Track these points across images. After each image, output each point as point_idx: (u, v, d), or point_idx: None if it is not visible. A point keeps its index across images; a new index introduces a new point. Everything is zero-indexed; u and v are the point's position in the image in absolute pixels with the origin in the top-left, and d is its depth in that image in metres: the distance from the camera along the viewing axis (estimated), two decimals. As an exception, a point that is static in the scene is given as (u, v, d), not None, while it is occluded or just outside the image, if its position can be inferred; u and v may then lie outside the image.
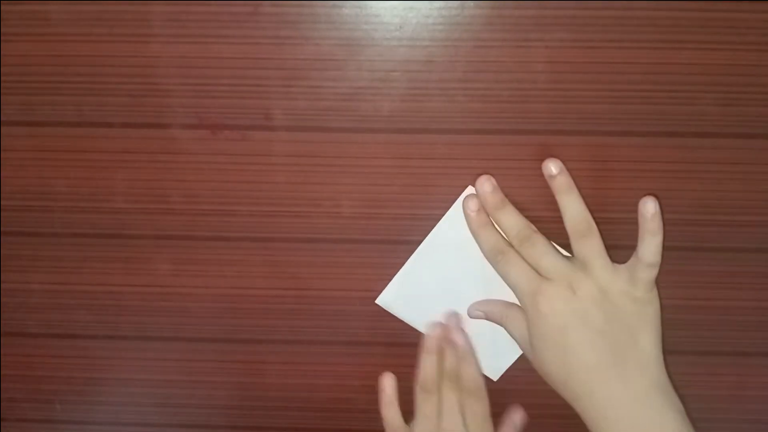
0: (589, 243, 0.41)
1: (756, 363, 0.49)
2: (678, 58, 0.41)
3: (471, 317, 0.45)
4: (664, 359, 0.41)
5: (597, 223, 0.45)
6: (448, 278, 0.45)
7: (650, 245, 0.39)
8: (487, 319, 0.44)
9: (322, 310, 0.48)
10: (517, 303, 0.42)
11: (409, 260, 0.45)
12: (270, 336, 0.49)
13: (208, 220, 0.46)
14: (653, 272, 0.40)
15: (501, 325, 0.44)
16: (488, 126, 0.43)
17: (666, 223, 0.44)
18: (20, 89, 0.43)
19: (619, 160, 0.44)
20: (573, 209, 0.41)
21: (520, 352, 0.46)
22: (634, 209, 0.44)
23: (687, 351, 0.49)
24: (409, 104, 0.43)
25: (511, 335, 0.43)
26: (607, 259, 0.41)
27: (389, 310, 0.47)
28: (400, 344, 0.47)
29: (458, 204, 0.44)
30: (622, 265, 0.41)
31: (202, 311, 0.49)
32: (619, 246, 0.46)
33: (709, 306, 0.47)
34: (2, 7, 0.41)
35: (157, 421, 0.53)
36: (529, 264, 0.41)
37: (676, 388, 0.40)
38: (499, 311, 0.44)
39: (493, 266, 0.42)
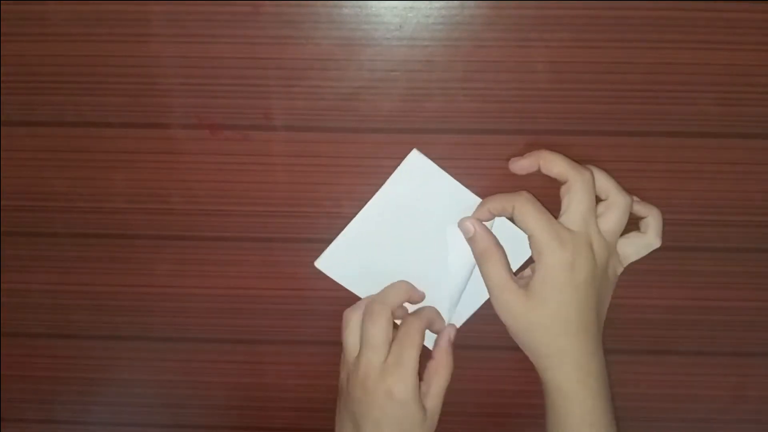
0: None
1: (756, 363, 0.49)
2: (678, 58, 0.41)
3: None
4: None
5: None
6: (391, 243, 0.45)
7: (658, 229, 0.42)
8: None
9: (322, 310, 0.48)
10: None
11: (350, 224, 0.44)
12: (270, 336, 0.49)
13: (208, 220, 0.46)
14: (646, 253, 0.43)
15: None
16: (488, 126, 0.43)
17: (666, 223, 0.44)
18: (20, 89, 0.43)
19: (620, 160, 0.44)
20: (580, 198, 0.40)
21: (482, 301, 0.45)
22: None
23: (687, 351, 0.49)
24: (409, 104, 0.43)
25: (488, 276, 0.41)
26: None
27: (328, 274, 0.46)
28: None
29: (404, 166, 0.43)
30: (619, 241, 0.42)
31: (202, 311, 0.49)
32: (619, 246, 0.46)
33: (709, 306, 0.47)
34: (2, 7, 0.41)
35: (157, 421, 0.53)
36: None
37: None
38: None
39: (515, 205, 0.40)
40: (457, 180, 0.43)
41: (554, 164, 0.40)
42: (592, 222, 0.40)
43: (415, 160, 0.43)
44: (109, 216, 0.46)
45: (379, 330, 0.42)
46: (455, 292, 0.45)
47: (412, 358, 0.42)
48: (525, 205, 0.39)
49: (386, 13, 0.41)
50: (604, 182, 0.41)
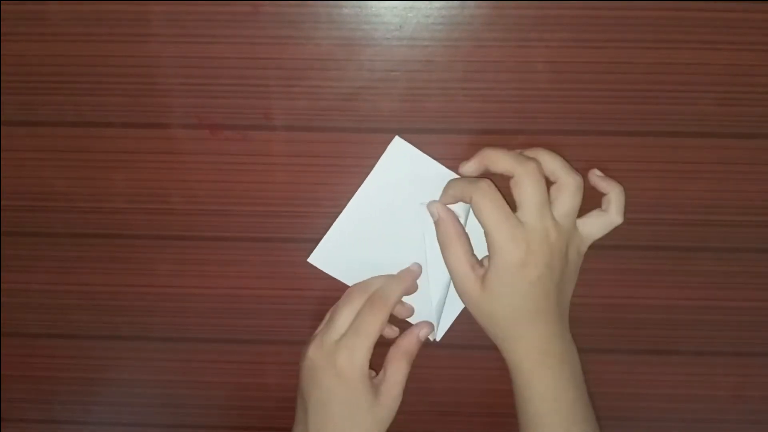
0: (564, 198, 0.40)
1: (756, 363, 0.49)
2: (678, 58, 0.41)
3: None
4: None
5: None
6: (382, 232, 0.45)
7: (620, 205, 0.42)
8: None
9: (322, 310, 0.48)
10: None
11: (339, 217, 0.45)
12: (270, 336, 0.49)
13: (208, 220, 0.46)
14: (610, 230, 0.42)
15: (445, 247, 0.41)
16: (488, 126, 0.43)
17: (666, 223, 0.44)
18: (20, 89, 0.43)
19: (619, 160, 0.44)
20: (550, 164, 0.40)
21: (460, 310, 0.46)
22: (634, 209, 0.44)
23: (687, 351, 0.49)
24: (409, 104, 0.43)
25: (448, 264, 0.41)
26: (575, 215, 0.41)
27: (322, 269, 0.46)
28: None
29: (387, 154, 0.43)
30: (579, 221, 0.42)
31: (202, 311, 0.49)
32: (620, 246, 0.46)
33: (709, 306, 0.47)
34: (2, 7, 0.41)
35: (157, 421, 0.53)
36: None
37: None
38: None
39: (472, 196, 0.39)
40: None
41: (498, 162, 0.39)
42: (546, 212, 0.39)
43: (399, 147, 0.43)
44: (109, 216, 0.46)
45: (347, 311, 0.43)
46: (443, 272, 0.44)
47: (363, 345, 0.41)
48: (482, 199, 0.39)
49: (386, 13, 0.41)
50: (552, 164, 0.40)
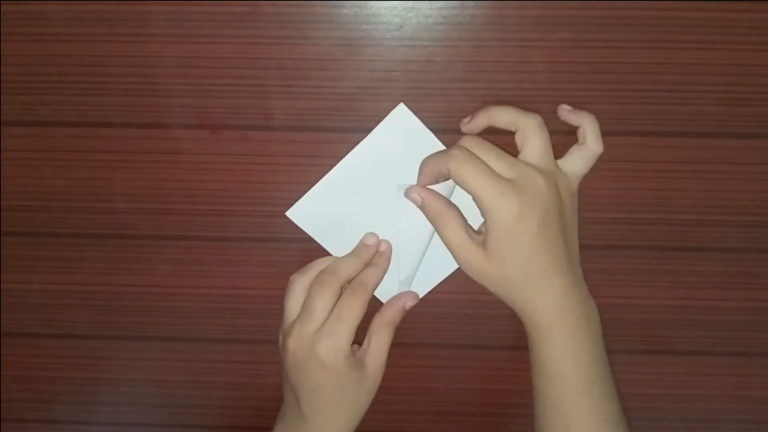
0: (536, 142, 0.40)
1: (756, 363, 0.49)
2: (678, 58, 0.41)
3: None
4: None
5: (595, 224, 0.45)
6: (366, 198, 0.44)
7: (595, 133, 0.41)
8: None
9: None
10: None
11: (327, 175, 0.44)
12: (270, 336, 0.49)
13: (208, 220, 0.46)
14: (594, 162, 0.41)
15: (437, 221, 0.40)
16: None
17: (666, 223, 0.44)
18: (20, 89, 0.43)
19: (619, 160, 0.44)
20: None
21: (448, 273, 0.45)
22: (634, 209, 0.44)
23: (687, 351, 0.49)
24: (409, 104, 0.43)
25: (445, 239, 0.40)
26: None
27: (298, 224, 0.45)
28: (401, 344, 0.47)
29: (389, 120, 0.43)
30: (560, 161, 0.41)
31: (202, 311, 0.49)
32: (620, 246, 0.46)
33: (709, 306, 0.47)
34: (2, 7, 0.41)
35: (157, 421, 0.53)
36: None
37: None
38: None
39: (449, 167, 0.39)
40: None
41: (500, 116, 0.40)
42: (549, 158, 0.39)
43: (401, 115, 0.43)
44: (109, 216, 0.46)
45: (322, 300, 0.42)
46: (415, 254, 0.44)
47: (346, 331, 0.41)
48: (460, 165, 0.38)
49: (386, 13, 0.41)
50: (506, 115, 0.40)
